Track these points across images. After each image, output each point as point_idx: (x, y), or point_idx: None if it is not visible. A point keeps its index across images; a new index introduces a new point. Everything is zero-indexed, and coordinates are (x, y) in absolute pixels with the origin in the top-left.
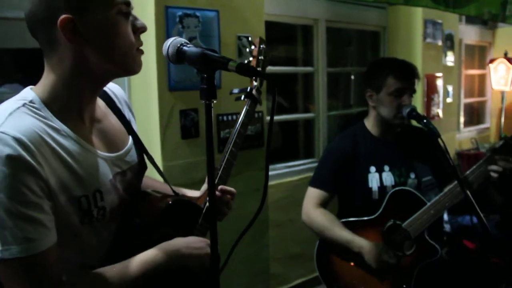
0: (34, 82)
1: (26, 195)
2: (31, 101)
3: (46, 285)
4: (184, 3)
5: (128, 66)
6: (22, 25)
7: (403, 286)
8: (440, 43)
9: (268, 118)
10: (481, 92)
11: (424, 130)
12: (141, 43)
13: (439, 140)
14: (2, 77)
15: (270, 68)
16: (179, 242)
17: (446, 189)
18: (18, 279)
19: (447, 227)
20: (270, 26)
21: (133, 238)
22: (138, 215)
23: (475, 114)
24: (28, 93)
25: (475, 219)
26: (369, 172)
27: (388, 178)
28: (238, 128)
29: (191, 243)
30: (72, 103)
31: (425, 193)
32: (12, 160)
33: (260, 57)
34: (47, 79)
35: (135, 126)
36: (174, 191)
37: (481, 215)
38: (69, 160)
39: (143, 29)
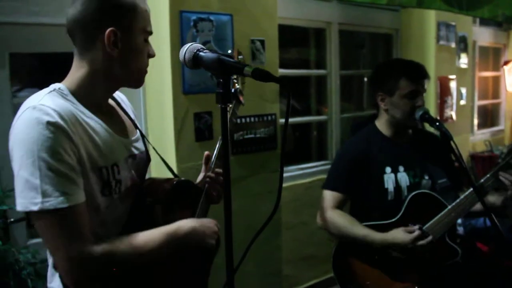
0: None
1: (63, 155)
2: (59, 88)
3: (78, 236)
4: (198, 8)
5: (137, 82)
6: (42, 31)
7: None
8: (453, 45)
9: (281, 120)
10: (495, 94)
11: (437, 135)
12: (147, 65)
13: (452, 142)
14: (23, 81)
15: (283, 71)
16: (194, 221)
17: (466, 192)
18: (55, 229)
19: (460, 229)
20: (283, 29)
21: (146, 215)
22: (148, 195)
23: (489, 116)
24: (56, 84)
25: (488, 222)
26: (384, 172)
27: (403, 178)
28: None
29: (203, 222)
30: (93, 95)
31: (442, 195)
32: (51, 125)
33: None
34: (78, 72)
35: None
36: (175, 175)
37: (495, 218)
38: (93, 135)
39: (154, 55)
